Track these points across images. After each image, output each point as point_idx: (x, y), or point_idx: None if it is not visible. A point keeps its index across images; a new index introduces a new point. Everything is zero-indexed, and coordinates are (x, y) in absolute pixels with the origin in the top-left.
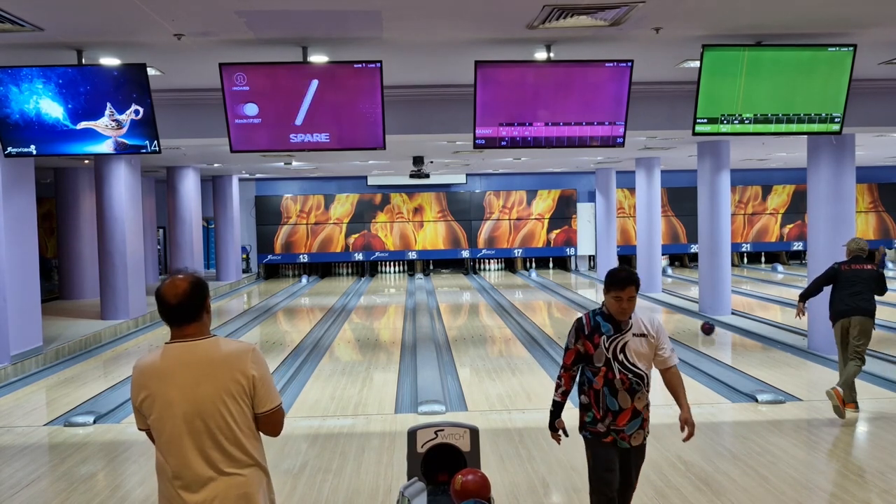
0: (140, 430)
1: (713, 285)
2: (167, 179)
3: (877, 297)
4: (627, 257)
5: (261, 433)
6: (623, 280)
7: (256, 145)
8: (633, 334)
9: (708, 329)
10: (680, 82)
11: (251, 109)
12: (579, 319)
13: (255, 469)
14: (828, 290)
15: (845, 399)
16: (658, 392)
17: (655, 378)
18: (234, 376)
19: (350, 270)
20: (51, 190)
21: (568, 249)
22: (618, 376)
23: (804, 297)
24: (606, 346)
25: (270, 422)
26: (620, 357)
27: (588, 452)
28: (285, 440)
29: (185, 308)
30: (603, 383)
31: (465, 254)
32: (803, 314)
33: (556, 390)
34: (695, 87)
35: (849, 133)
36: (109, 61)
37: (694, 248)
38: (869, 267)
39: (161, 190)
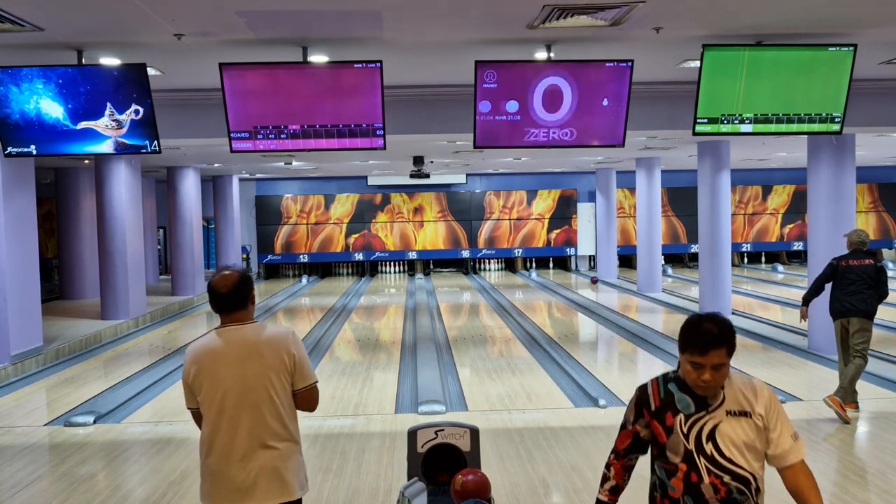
0: (188, 408)
1: (713, 285)
2: (167, 179)
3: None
4: (627, 257)
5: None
6: (706, 340)
7: (256, 146)
8: (728, 412)
9: (594, 280)
10: (680, 82)
11: (251, 109)
12: (643, 388)
13: (290, 444)
14: (829, 286)
15: (845, 400)
16: None
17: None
18: (278, 355)
19: (350, 270)
20: (51, 190)
21: (568, 249)
22: (706, 479)
23: (807, 299)
24: (685, 430)
25: (307, 398)
26: (708, 448)
27: None
28: None
29: (233, 297)
30: (684, 489)
31: (466, 254)
32: (806, 318)
33: (602, 485)
34: (695, 87)
35: (849, 133)
36: (109, 61)
37: (694, 248)
38: (868, 262)
39: (161, 190)
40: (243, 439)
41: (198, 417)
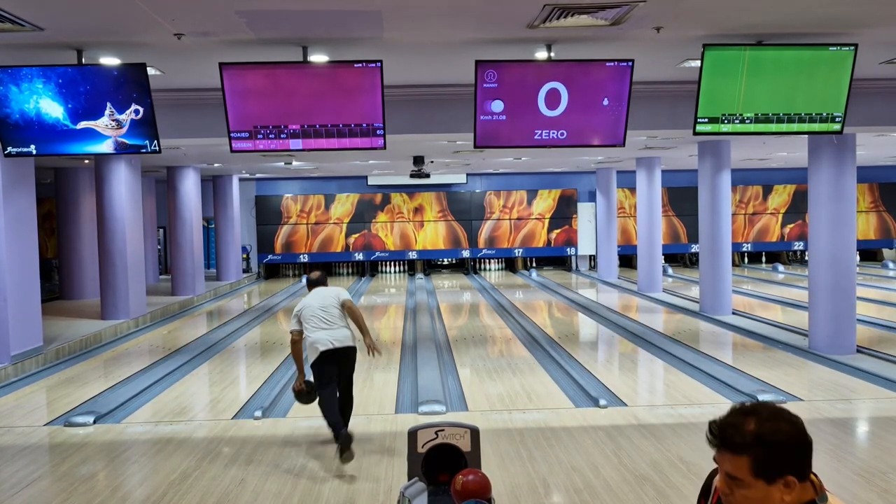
0: (291, 330)
1: (714, 285)
2: (167, 179)
3: None
4: (628, 257)
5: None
6: (721, 434)
7: (256, 146)
8: None
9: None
10: (681, 82)
11: (251, 109)
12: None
13: (348, 328)
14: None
15: None
16: (659, 392)
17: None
18: (338, 296)
19: (350, 270)
20: (51, 190)
21: (568, 249)
22: None
23: None
24: None
25: (349, 306)
26: None
27: None
28: (285, 441)
29: (317, 281)
30: None
31: (466, 254)
32: None
33: None
34: (695, 87)
35: (850, 133)
36: (109, 61)
37: (694, 248)
38: None
39: (161, 190)
40: (328, 327)
41: (297, 337)
